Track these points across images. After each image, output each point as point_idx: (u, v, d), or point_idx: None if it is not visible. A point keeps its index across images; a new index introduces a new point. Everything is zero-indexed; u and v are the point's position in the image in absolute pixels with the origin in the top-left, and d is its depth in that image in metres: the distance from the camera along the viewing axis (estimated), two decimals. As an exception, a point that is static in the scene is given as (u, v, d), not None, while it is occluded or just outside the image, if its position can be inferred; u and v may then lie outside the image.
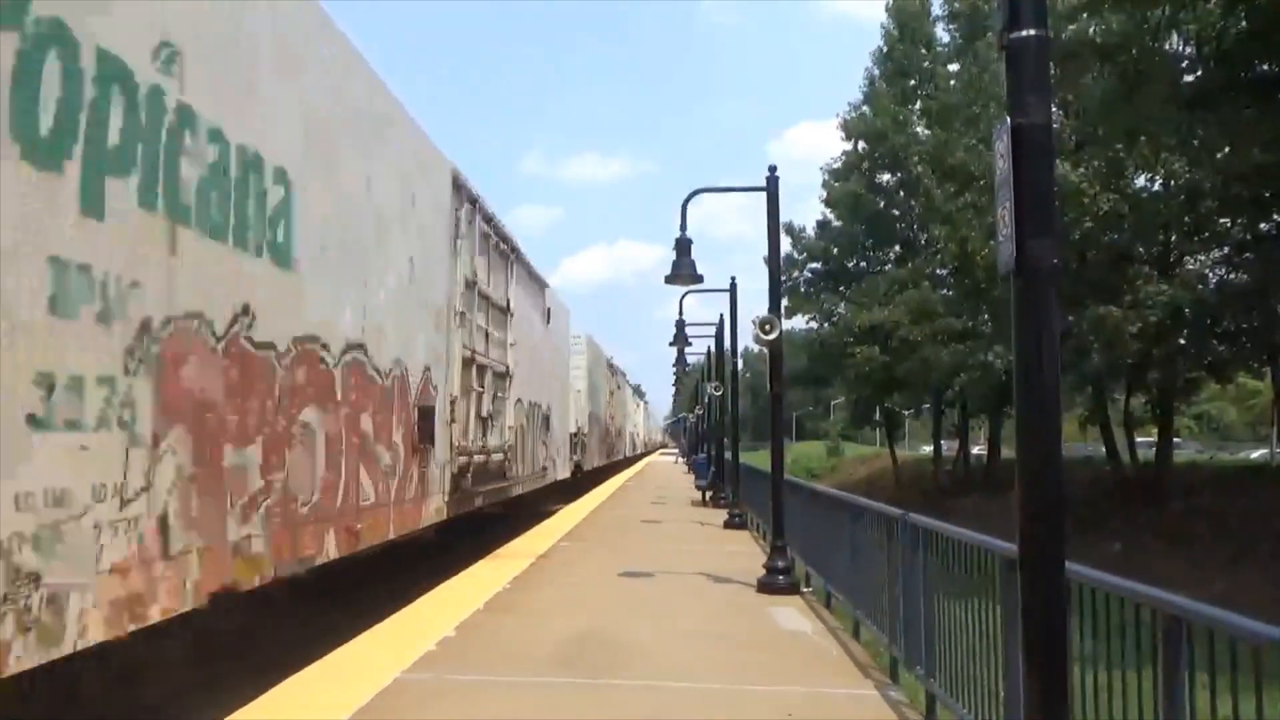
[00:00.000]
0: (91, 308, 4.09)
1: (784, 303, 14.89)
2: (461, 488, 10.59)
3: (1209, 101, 18.66)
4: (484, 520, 13.38)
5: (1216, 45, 19.20)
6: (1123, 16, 19.68)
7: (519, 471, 14.78)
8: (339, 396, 7.00)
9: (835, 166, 41.49)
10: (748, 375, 68.77)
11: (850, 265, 42.05)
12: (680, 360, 27.61)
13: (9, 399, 3.59)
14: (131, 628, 4.31)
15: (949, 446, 44.72)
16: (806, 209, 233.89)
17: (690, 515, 18.27)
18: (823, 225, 42.80)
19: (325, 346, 6.74)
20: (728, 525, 15.58)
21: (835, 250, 41.93)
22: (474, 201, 11.38)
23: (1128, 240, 23.12)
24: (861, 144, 39.96)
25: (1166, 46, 21.02)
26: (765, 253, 10.01)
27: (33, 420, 3.71)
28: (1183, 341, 23.49)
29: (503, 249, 13.47)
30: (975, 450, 45.30)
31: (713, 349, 23.73)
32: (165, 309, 4.66)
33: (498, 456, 12.78)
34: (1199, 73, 20.25)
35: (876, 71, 39.90)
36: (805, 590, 9.22)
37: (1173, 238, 24.05)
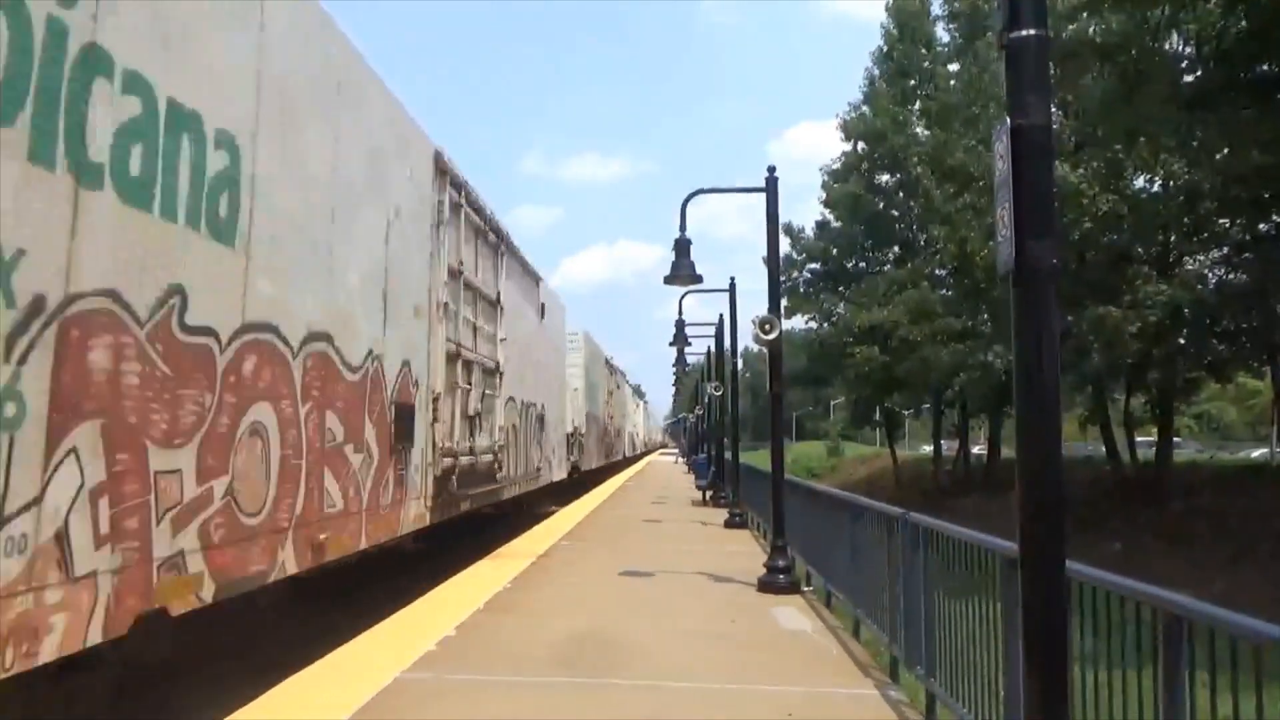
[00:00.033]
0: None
1: (784, 303, 14.95)
2: (446, 491, 9.94)
3: (1209, 102, 18.67)
4: (483, 520, 13.32)
5: (1216, 45, 19.22)
6: (1123, 16, 19.70)
7: (510, 473, 14.15)
8: (299, 391, 6.26)
9: (834, 167, 41.53)
10: (748, 375, 68.80)
11: (850, 265, 42.07)
12: (680, 360, 27.61)
13: None
14: (15, 668, 3.60)
15: (949, 446, 44.73)
16: (806, 209, 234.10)
17: (690, 515, 18.26)
18: (822, 226, 42.83)
19: (282, 335, 6.02)
20: (728, 525, 15.58)
21: (835, 250, 41.96)
22: (459, 186, 10.68)
23: (1127, 240, 23.13)
24: (861, 144, 39.98)
25: (1166, 46, 21.04)
26: (765, 253, 10.01)
27: None
28: (1182, 341, 23.50)
29: (492, 239, 12.81)
30: (975, 450, 45.31)
31: (712, 349, 23.73)
32: (64, 285, 3.96)
33: (487, 458, 12.14)
34: (1199, 73, 20.27)
35: (876, 72, 39.92)
36: (806, 589, 9.22)
37: (1172, 238, 24.06)
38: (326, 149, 6.86)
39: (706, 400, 27.19)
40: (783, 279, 18.75)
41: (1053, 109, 3.66)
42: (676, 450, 74.98)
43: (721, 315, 20.68)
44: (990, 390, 31.93)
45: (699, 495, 22.35)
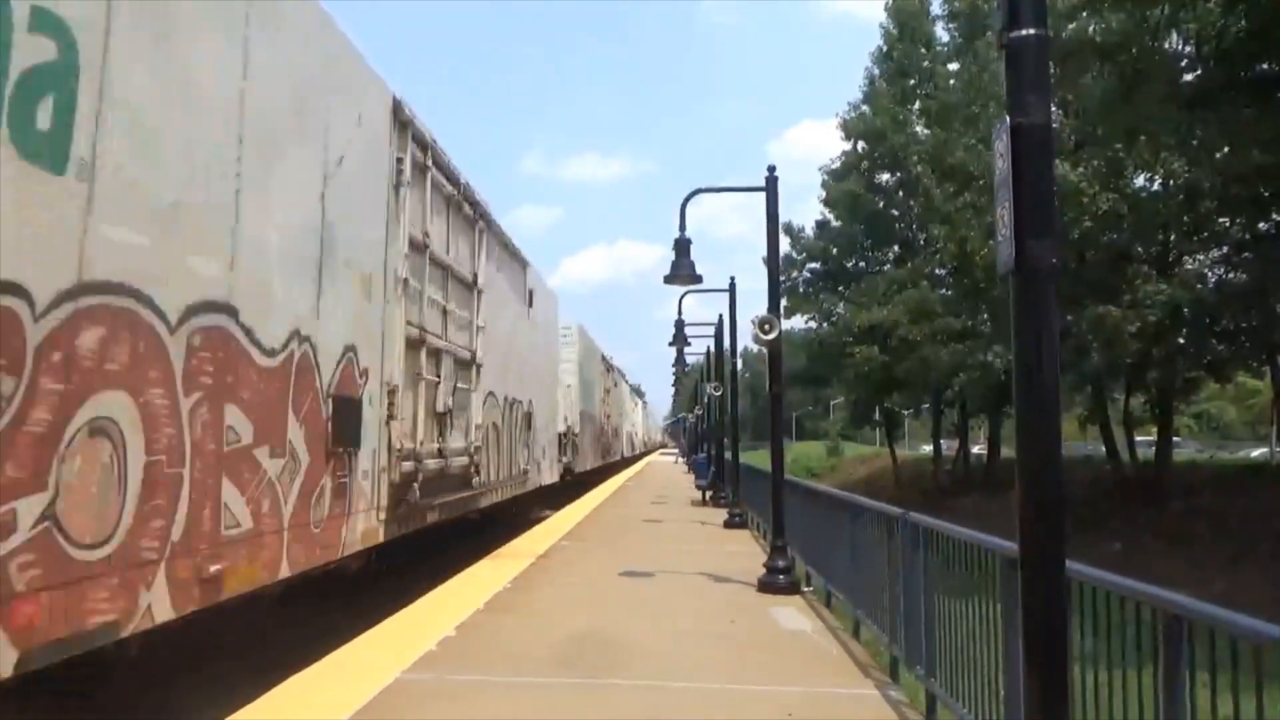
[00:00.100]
0: None
1: (783, 303, 14.93)
2: (407, 501, 8.60)
3: (1208, 101, 18.67)
4: (483, 520, 13.23)
5: (1216, 44, 19.21)
6: (1122, 15, 19.69)
7: (490, 477, 12.57)
8: (180, 378, 4.85)
9: (834, 167, 41.53)
10: (747, 375, 68.81)
11: (849, 265, 42.08)
12: (680, 360, 27.62)
13: None
14: None
15: (949, 446, 44.74)
16: (806, 209, 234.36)
17: (690, 515, 18.26)
18: (822, 225, 42.83)
19: (151, 303, 4.58)
20: (728, 525, 15.58)
21: (834, 250, 41.96)
22: (425, 145, 9.17)
23: (1127, 240, 23.13)
24: (861, 144, 39.99)
25: (1166, 46, 21.03)
26: (764, 253, 10.01)
27: None
28: (1182, 341, 23.50)
29: (468, 213, 11.22)
30: (975, 450, 45.32)
31: (712, 349, 23.74)
32: None
33: (460, 461, 10.58)
34: (1199, 72, 20.26)
35: (876, 71, 39.93)
36: (805, 590, 9.22)
37: (1172, 237, 24.06)
38: (230, 68, 5.46)
39: (706, 400, 27.20)
40: (782, 279, 18.74)
41: (1053, 108, 3.66)
42: (676, 450, 74.99)
43: (721, 315, 20.72)
44: (990, 390, 31.93)
45: (699, 495, 22.35)
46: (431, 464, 9.35)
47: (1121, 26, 19.94)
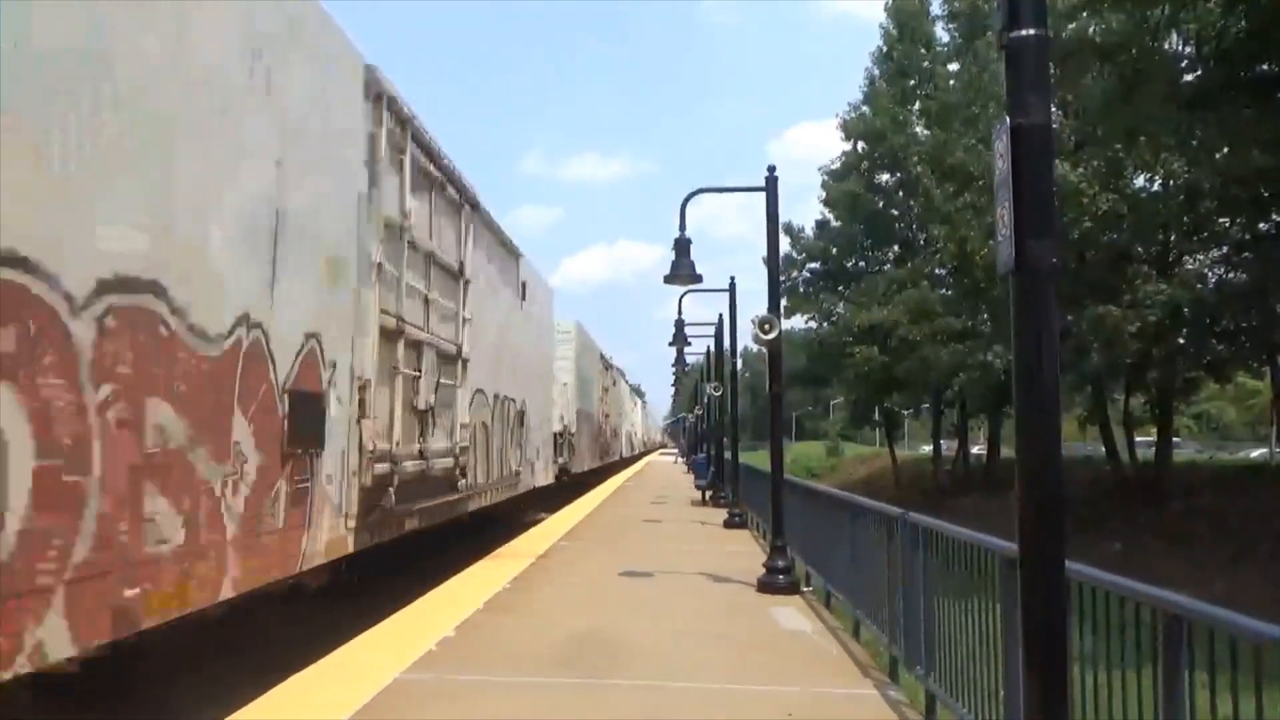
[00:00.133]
0: None
1: (783, 303, 14.91)
2: (381, 507, 7.81)
3: (1208, 101, 18.68)
4: (481, 521, 13.15)
5: (1216, 44, 19.21)
6: (1122, 16, 19.69)
7: (477, 480, 11.63)
8: (85, 367, 4.09)
9: (834, 167, 41.55)
10: (747, 375, 68.81)
11: (849, 265, 42.10)
12: (680, 360, 27.65)
13: None
14: None
15: (948, 446, 44.74)
16: (806, 209, 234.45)
17: (690, 515, 18.27)
18: (822, 225, 42.84)
19: (41, 271, 3.83)
20: (728, 525, 15.59)
21: (834, 250, 41.97)
22: (403, 120, 8.38)
23: (1127, 240, 23.14)
24: (861, 144, 40.00)
25: (1166, 46, 21.04)
26: (764, 253, 10.02)
27: None
28: (1182, 341, 23.52)
29: (452, 195, 10.34)
30: (975, 450, 45.34)
31: (712, 349, 23.75)
32: None
33: (444, 462, 9.75)
34: (1199, 72, 20.27)
35: (876, 71, 39.94)
36: (805, 590, 9.22)
37: (1172, 237, 24.08)
38: (166, 10, 4.73)
39: (706, 400, 27.21)
40: (782, 279, 18.73)
41: (1053, 108, 3.66)
42: (676, 450, 75.01)
43: (721, 315, 20.72)
44: (990, 390, 31.94)
45: (698, 495, 22.36)
46: (410, 466, 8.51)
47: (1121, 27, 19.94)
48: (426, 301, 9.27)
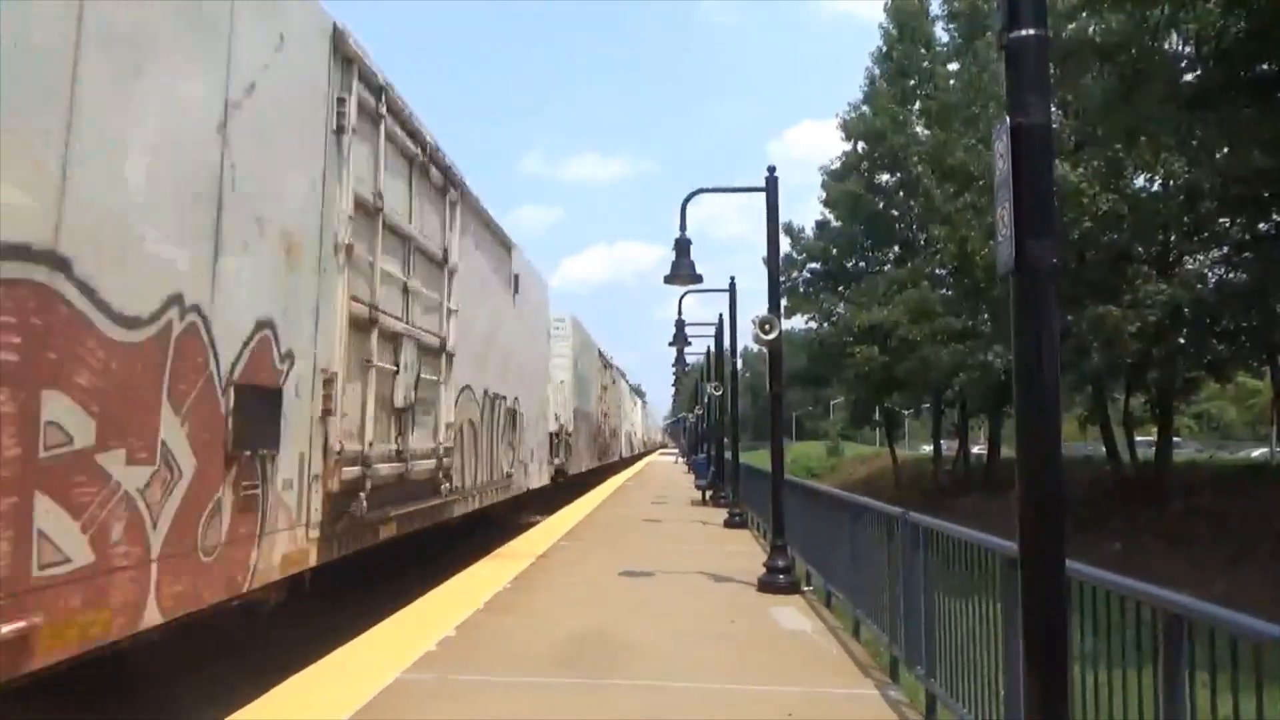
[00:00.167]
0: None
1: (783, 303, 14.89)
2: (350, 514, 7.07)
3: (1208, 101, 18.69)
4: (471, 526, 12.80)
5: (1216, 44, 19.22)
6: (1122, 16, 19.70)
7: (464, 483, 10.95)
8: None
9: (834, 167, 41.59)
10: (747, 375, 68.88)
11: (849, 265, 42.13)
12: (680, 360, 27.64)
13: None
14: None
15: (949, 446, 44.76)
16: (806, 209, 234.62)
17: (690, 515, 18.27)
18: (822, 225, 42.88)
19: None
20: (728, 525, 15.59)
21: (834, 250, 42.01)
22: (378, 89, 7.65)
23: (1127, 240, 23.15)
24: (861, 144, 40.03)
25: (1166, 46, 21.04)
26: (765, 253, 10.02)
27: None
28: (1182, 341, 23.53)
29: (437, 178, 9.65)
30: (975, 450, 45.35)
31: (712, 349, 23.75)
32: None
33: (426, 464, 9.07)
34: (1198, 72, 20.28)
35: (876, 71, 39.97)
36: (805, 589, 9.22)
37: (1172, 237, 24.09)
38: None
39: (706, 400, 27.21)
40: (782, 279, 18.72)
41: (1053, 108, 3.66)
42: (676, 450, 75.03)
43: (721, 315, 20.72)
44: (990, 390, 31.95)
45: (699, 495, 22.36)
46: (385, 469, 7.83)
47: (1121, 27, 19.95)
48: (406, 290, 8.54)
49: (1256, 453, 42.74)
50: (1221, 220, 23.02)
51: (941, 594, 5.17)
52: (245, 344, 5.54)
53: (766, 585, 9.03)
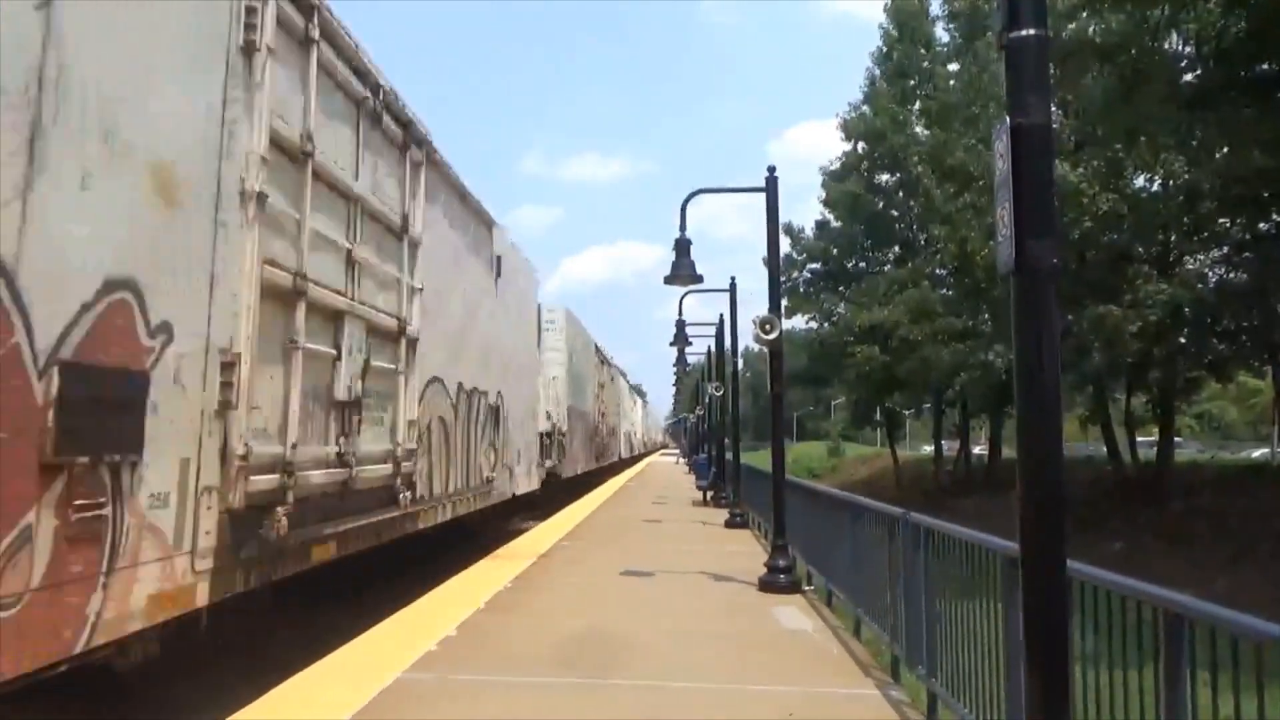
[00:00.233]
0: None
1: (784, 303, 14.84)
2: (264, 535, 5.65)
3: (1208, 101, 18.70)
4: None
5: (1216, 45, 19.23)
6: (1122, 16, 19.71)
7: (432, 490, 9.56)
8: None
9: (834, 168, 41.62)
10: (748, 375, 68.91)
11: (850, 265, 42.18)
12: (680, 360, 27.65)
13: None
14: None
15: (950, 446, 44.77)
16: (806, 209, 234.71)
17: (691, 515, 18.27)
18: (822, 225, 42.93)
19: None
20: (729, 525, 15.59)
21: (835, 250, 42.06)
22: (309, 9, 6.34)
23: (1127, 240, 23.15)
24: (861, 144, 40.07)
25: (1166, 46, 21.05)
26: (765, 253, 10.02)
27: None
28: (1183, 341, 23.54)
29: (393, 132, 8.25)
30: (976, 450, 45.36)
31: (713, 349, 23.75)
32: None
33: (379, 470, 7.66)
34: (1198, 72, 20.29)
35: (877, 71, 40.00)
36: (806, 589, 9.22)
37: (1172, 237, 24.09)
38: None
39: (707, 400, 27.21)
40: (783, 279, 18.73)
41: (1053, 108, 3.66)
42: (677, 451, 75.03)
43: (722, 315, 20.73)
44: (991, 390, 31.96)
45: (699, 495, 22.36)
46: (318, 476, 6.42)
47: (1121, 27, 19.96)
48: (350, 260, 7.14)
49: (1257, 453, 42.74)
50: (1222, 220, 23.02)
51: (942, 594, 5.17)
52: (85, 309, 4.11)
53: (767, 585, 9.03)
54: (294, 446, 5.97)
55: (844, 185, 40.77)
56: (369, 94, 7.50)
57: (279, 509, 5.77)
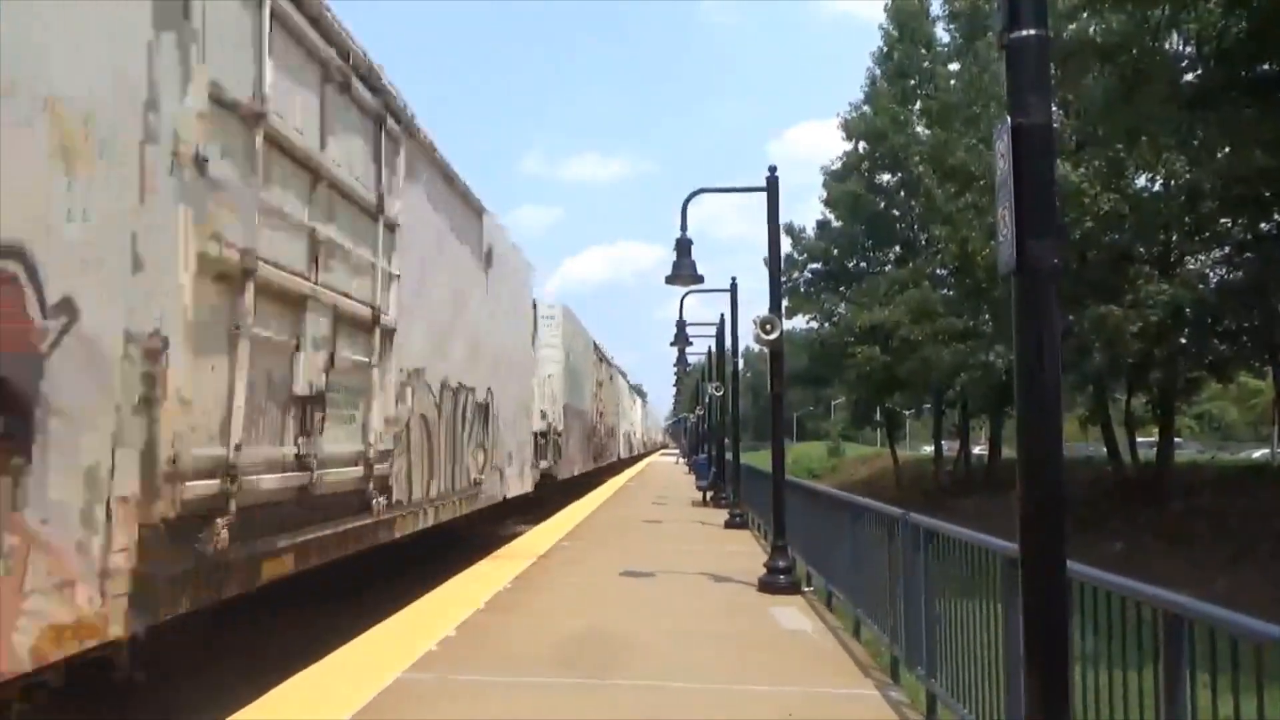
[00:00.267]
0: None
1: (784, 303, 14.81)
2: (199, 550, 4.80)
3: (1209, 101, 18.70)
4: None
5: (1217, 45, 19.25)
6: (1123, 16, 19.71)
7: (409, 495, 8.64)
8: None
9: (835, 168, 41.63)
10: (748, 375, 68.87)
11: (850, 265, 42.22)
12: (681, 360, 27.66)
13: None
14: None
15: (950, 446, 44.77)
16: (807, 209, 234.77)
17: (691, 515, 18.27)
18: (823, 225, 42.97)
19: None
20: (728, 525, 15.59)
21: (835, 250, 42.11)
22: None
23: (1128, 240, 23.16)
24: (862, 144, 40.09)
25: (1167, 46, 21.06)
26: (765, 253, 10.02)
27: None
28: (1184, 341, 23.55)
29: (367, 101, 7.42)
30: (976, 450, 45.36)
31: (713, 349, 23.75)
32: None
33: (345, 473, 6.87)
34: (1199, 72, 20.30)
35: (877, 71, 40.01)
36: (806, 590, 9.22)
37: (1173, 237, 24.10)
38: None
39: (707, 400, 27.21)
40: (783, 279, 18.71)
41: (1053, 108, 3.66)
42: (677, 451, 75.04)
43: (722, 315, 20.71)
44: (991, 390, 31.98)
45: (699, 496, 22.36)
46: (271, 481, 5.62)
47: (1122, 27, 19.96)
48: (314, 240, 6.35)
49: (1258, 453, 42.76)
50: (1222, 220, 23.04)
51: (942, 594, 5.17)
52: None
53: (767, 585, 9.03)
54: (238, 447, 5.20)
55: (845, 185, 40.79)
56: (337, 55, 6.74)
57: (219, 520, 4.96)
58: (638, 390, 67.46)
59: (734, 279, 17.75)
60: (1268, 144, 17.56)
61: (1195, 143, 20.12)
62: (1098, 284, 22.26)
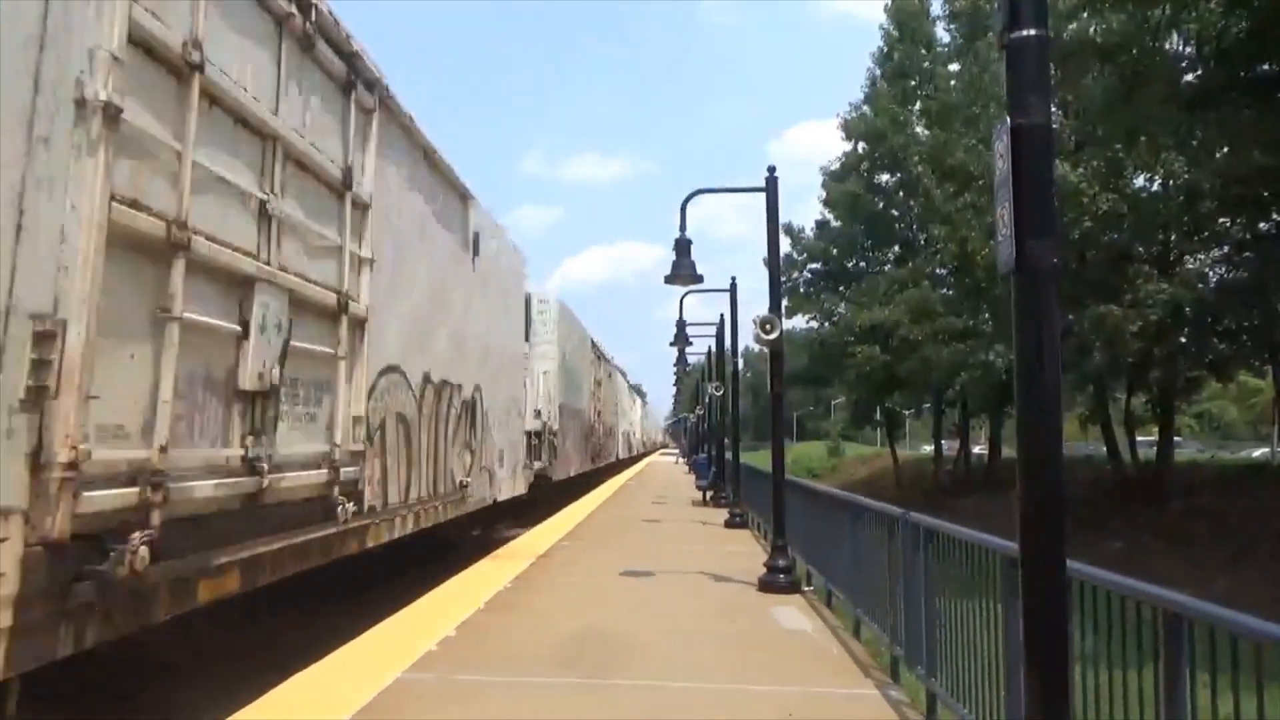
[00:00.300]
0: None
1: (784, 303, 14.80)
2: (104, 572, 4.02)
3: (1209, 101, 18.71)
4: (480, 521, 12.52)
5: (1217, 45, 19.25)
6: (1123, 16, 19.72)
7: (384, 500, 8.02)
8: None
9: (834, 168, 41.65)
10: (748, 375, 68.86)
11: (850, 265, 42.23)
12: (681, 360, 27.64)
13: None
14: None
15: (950, 446, 44.78)
16: (807, 209, 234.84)
17: (691, 515, 18.27)
18: (822, 225, 42.97)
19: None
20: (728, 525, 15.59)
21: (835, 250, 42.11)
22: None
23: (1127, 240, 23.16)
24: (861, 144, 40.10)
25: (1167, 46, 21.06)
26: (765, 253, 10.02)
27: None
28: (1183, 340, 23.56)
29: (333, 66, 6.76)
30: (976, 450, 45.37)
31: (713, 349, 23.75)
32: None
33: (306, 478, 6.21)
34: (1199, 73, 20.30)
35: (877, 71, 40.02)
36: (806, 589, 9.22)
37: (1172, 237, 24.11)
38: None
39: (707, 400, 27.20)
40: (783, 279, 18.71)
41: (1053, 108, 3.66)
42: (677, 451, 75.03)
43: (722, 315, 20.72)
44: (991, 389, 31.98)
45: (699, 495, 22.36)
46: (209, 488, 4.92)
47: (1122, 27, 19.97)
48: (265, 213, 5.66)
49: (1258, 453, 42.77)
50: (1222, 220, 23.05)
51: (942, 594, 5.18)
52: None
53: (767, 585, 9.03)
54: (164, 449, 4.45)
55: (844, 185, 40.80)
56: (294, 9, 5.98)
57: (135, 535, 4.16)
58: (637, 390, 67.44)
59: (733, 279, 17.79)
60: (1267, 144, 17.57)
61: (1194, 143, 20.13)
62: (1097, 284, 22.27)
